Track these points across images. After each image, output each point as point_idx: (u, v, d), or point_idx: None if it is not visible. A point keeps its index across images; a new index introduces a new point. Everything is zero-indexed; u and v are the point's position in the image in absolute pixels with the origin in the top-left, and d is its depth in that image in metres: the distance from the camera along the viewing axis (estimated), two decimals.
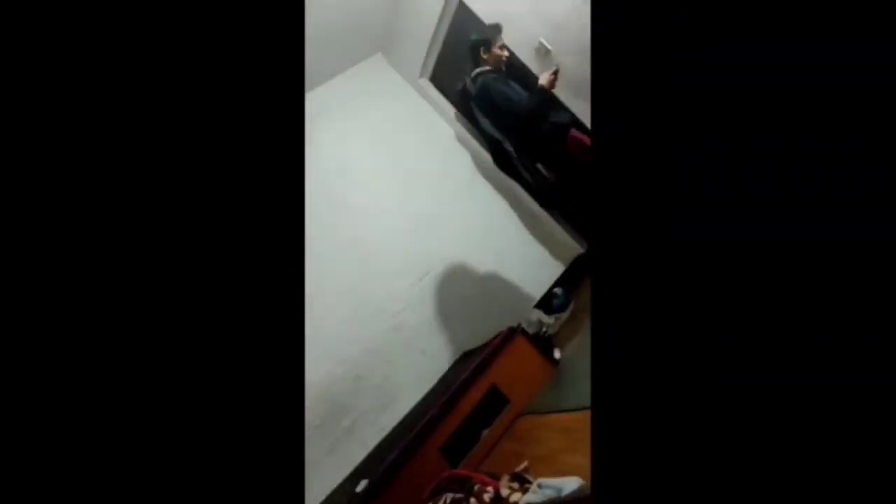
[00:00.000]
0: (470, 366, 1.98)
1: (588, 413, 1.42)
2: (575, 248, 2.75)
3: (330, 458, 2.23)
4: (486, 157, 2.82)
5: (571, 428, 1.51)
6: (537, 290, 2.66)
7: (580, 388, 1.66)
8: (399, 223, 2.71)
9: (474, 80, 2.26)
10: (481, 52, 2.19)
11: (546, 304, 2.58)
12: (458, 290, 2.64)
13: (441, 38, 2.69)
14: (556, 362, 1.99)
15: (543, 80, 2.02)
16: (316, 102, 2.80)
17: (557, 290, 2.62)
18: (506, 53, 2.22)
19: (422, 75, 2.98)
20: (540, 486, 1.14)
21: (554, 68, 2.00)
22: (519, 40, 2.19)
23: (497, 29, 2.21)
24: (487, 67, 2.21)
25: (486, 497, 1.21)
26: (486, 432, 1.87)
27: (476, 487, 1.26)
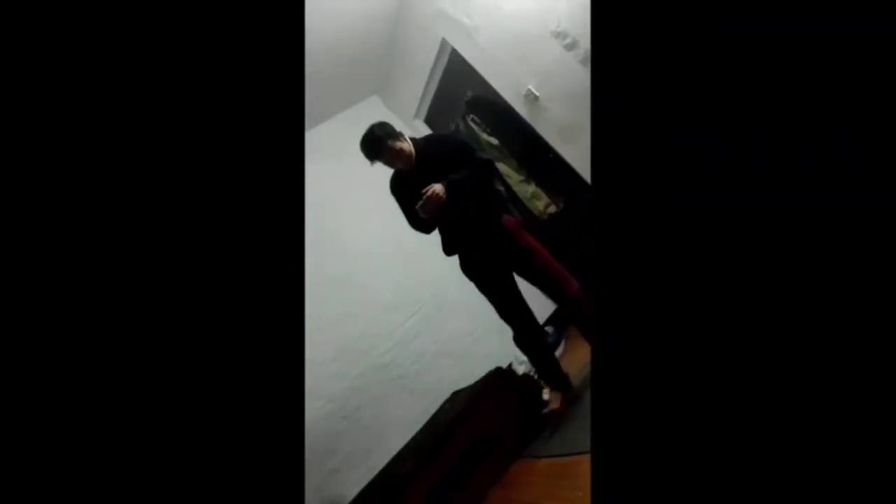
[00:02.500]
0: (458, 407, 1.96)
1: (577, 458, 1.40)
2: None
3: (315, 500, 2.17)
4: None
5: (560, 473, 1.48)
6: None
7: (568, 431, 1.64)
8: (389, 261, 2.73)
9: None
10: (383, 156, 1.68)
11: None
12: (448, 328, 2.63)
13: (436, 81, 2.79)
14: (544, 404, 1.97)
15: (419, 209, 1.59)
16: (309, 143, 2.87)
17: (549, 328, 2.62)
18: (406, 147, 1.69)
19: (416, 117, 3.07)
20: None
21: (429, 192, 1.55)
22: (508, 88, 2.28)
23: (385, 130, 1.70)
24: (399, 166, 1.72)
25: None
26: (473, 477, 1.83)
27: None
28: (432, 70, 2.69)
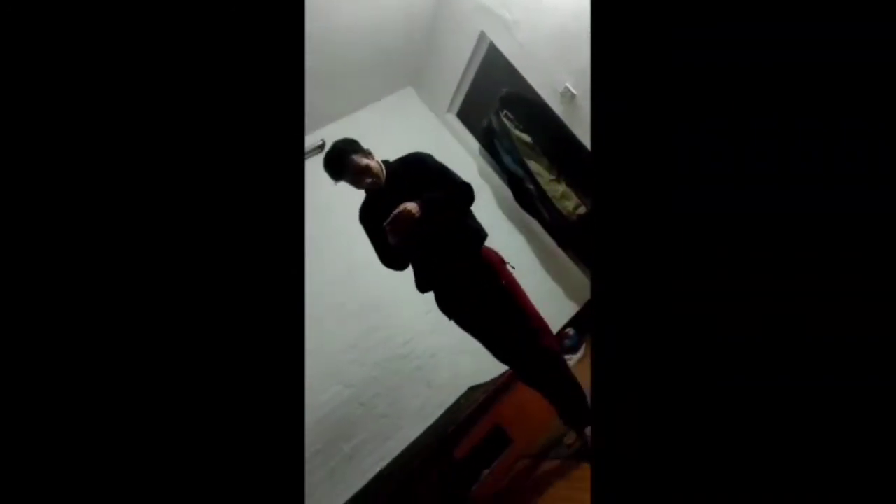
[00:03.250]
0: (474, 403, 1.96)
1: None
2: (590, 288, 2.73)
3: (328, 484, 2.20)
4: (507, 192, 2.86)
5: (575, 475, 1.47)
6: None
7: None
8: None
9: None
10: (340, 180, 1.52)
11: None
12: None
13: (472, 75, 2.78)
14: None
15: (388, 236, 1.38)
16: (339, 133, 2.88)
17: (570, 330, 2.59)
18: (373, 164, 1.52)
19: (449, 110, 3.06)
20: None
21: (399, 208, 1.34)
22: (545, 85, 2.25)
23: (350, 145, 1.53)
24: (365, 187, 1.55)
25: None
26: (486, 472, 1.83)
27: None
28: (469, 63, 2.68)
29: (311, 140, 2.78)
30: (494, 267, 1.52)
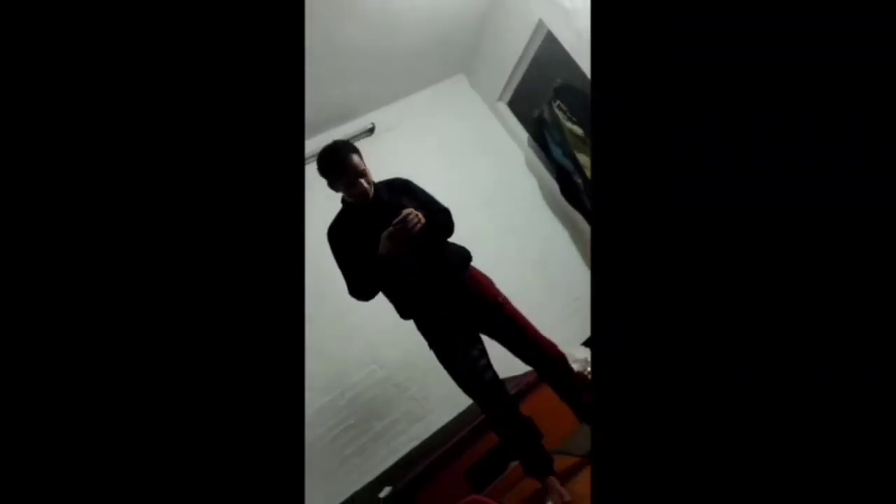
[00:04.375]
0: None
1: None
2: None
3: (358, 459, 2.28)
4: (553, 184, 2.81)
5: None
6: (588, 327, 2.59)
7: None
8: (456, 240, 2.75)
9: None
10: (335, 181, 1.43)
11: None
12: None
13: (525, 65, 2.73)
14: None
15: (382, 244, 1.32)
16: (389, 117, 2.91)
17: None
18: (370, 174, 1.44)
19: (500, 99, 3.02)
20: None
21: (408, 213, 1.28)
22: None
23: (349, 146, 1.44)
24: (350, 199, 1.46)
25: None
26: (513, 464, 1.84)
27: None
28: (524, 52, 2.62)
29: (360, 123, 2.83)
30: (485, 288, 1.51)
